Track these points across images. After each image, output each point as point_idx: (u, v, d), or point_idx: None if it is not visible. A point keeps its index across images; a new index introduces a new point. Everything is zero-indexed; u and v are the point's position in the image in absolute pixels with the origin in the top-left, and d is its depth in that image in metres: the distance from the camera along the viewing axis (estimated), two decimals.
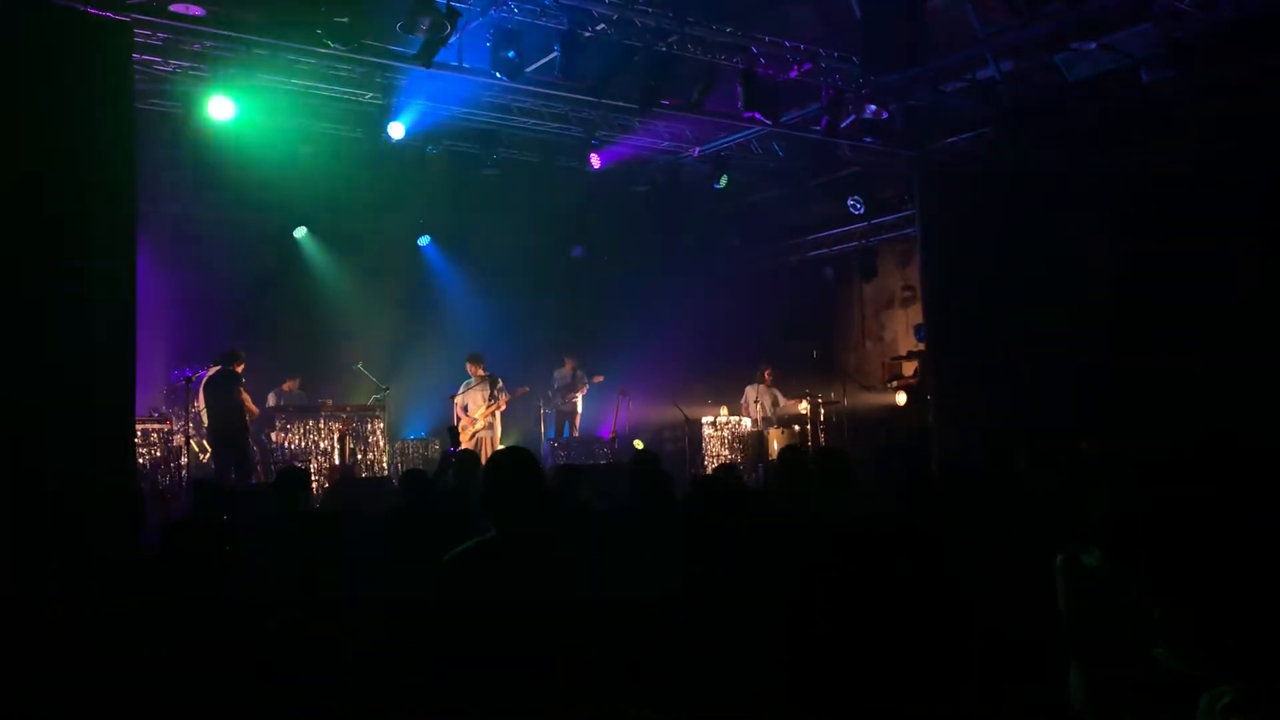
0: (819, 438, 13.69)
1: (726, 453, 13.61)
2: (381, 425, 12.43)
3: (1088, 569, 3.33)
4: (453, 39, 8.93)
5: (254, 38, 8.99)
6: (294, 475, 6.39)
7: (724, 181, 13.18)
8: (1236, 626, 2.61)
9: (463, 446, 10.69)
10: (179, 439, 10.82)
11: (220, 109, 9.73)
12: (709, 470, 12.58)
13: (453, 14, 8.49)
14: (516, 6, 8.98)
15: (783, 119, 11.16)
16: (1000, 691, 3.46)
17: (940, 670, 3.43)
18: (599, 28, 9.36)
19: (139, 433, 9.88)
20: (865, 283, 15.65)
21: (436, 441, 12.94)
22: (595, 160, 12.34)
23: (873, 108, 11.20)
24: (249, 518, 6.98)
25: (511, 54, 9.16)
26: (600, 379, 14.25)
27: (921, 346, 12.92)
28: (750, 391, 14.24)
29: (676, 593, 3.52)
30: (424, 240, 15.14)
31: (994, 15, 9.76)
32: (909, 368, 13.63)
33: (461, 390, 12.65)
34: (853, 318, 16.11)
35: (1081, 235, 11.51)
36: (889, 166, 12.96)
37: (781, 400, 14.09)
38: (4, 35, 6.86)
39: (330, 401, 12.23)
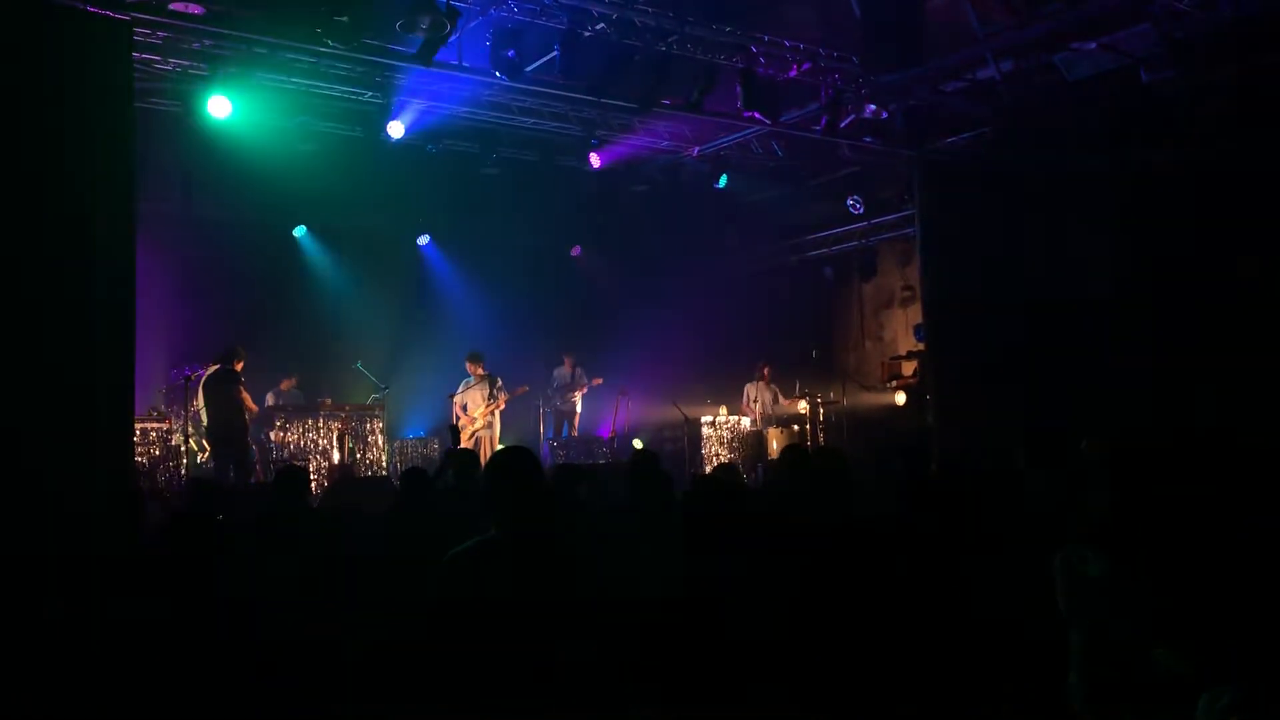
0: (818, 437, 13.68)
1: (726, 452, 13.61)
2: (381, 424, 12.43)
3: (1086, 569, 3.33)
4: (453, 38, 8.93)
5: (253, 36, 8.99)
6: (293, 474, 6.39)
7: (723, 181, 13.19)
8: (1236, 627, 2.62)
9: (462, 446, 10.68)
10: (178, 438, 10.82)
11: (219, 107, 9.73)
12: (708, 470, 12.58)
13: (453, 13, 8.49)
14: (516, 6, 8.99)
15: (782, 119, 11.16)
16: (1000, 691, 3.47)
17: (939, 670, 3.44)
18: (599, 27, 9.37)
19: (138, 432, 9.87)
20: (865, 282, 15.65)
21: (436, 441, 12.93)
22: (595, 160, 12.34)
23: (872, 107, 11.21)
24: (247, 516, 6.98)
25: (511, 53, 9.16)
26: (599, 381, 14.25)
27: (921, 346, 12.92)
28: (750, 389, 14.24)
29: (676, 592, 3.52)
30: (423, 239, 15.14)
31: (993, 15, 9.76)
32: (908, 367, 13.62)
33: (461, 389, 12.65)
34: (852, 317, 16.11)
35: (1081, 235, 11.51)
36: (889, 166, 12.97)
37: (781, 397, 14.10)
38: (3, 34, 6.85)
39: (329, 401, 12.23)
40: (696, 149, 12.84)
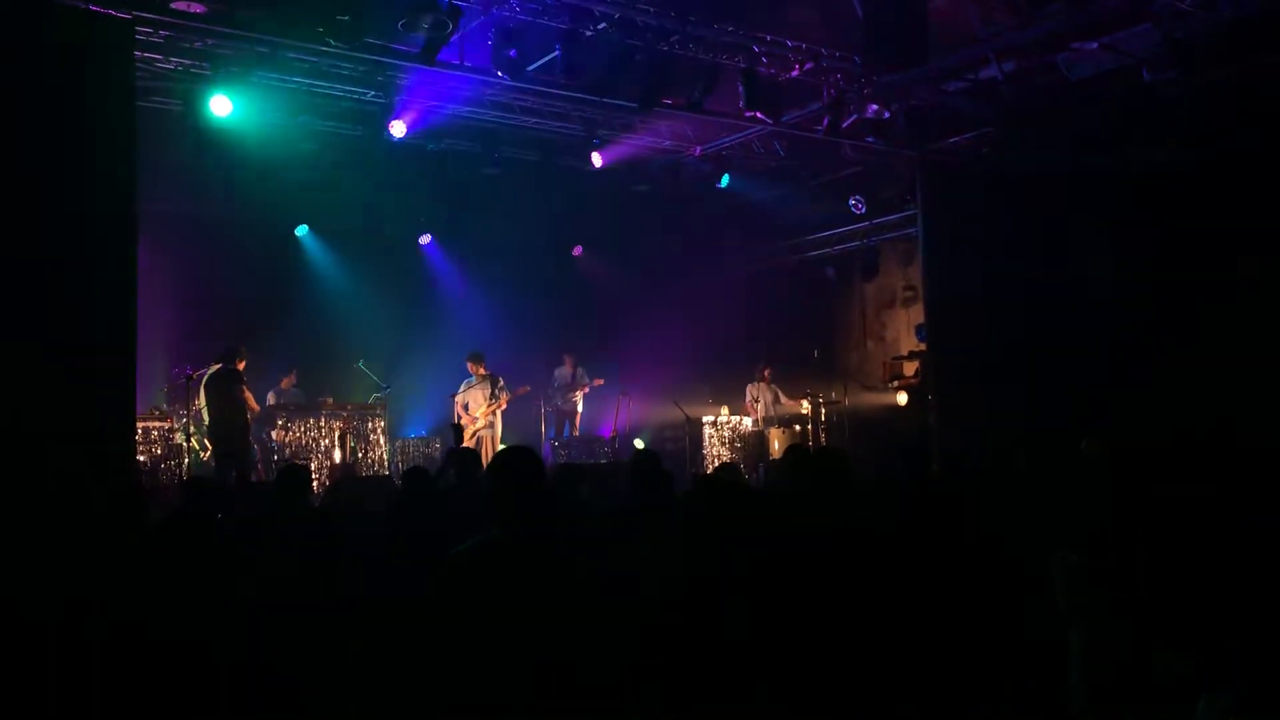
0: (820, 437, 13.69)
1: (727, 452, 13.61)
2: (382, 424, 12.44)
3: (1085, 569, 3.33)
4: (454, 37, 8.93)
5: (255, 35, 8.99)
6: (295, 473, 6.38)
7: (725, 181, 13.18)
8: (1236, 627, 2.61)
9: (463, 445, 10.69)
10: (179, 437, 10.83)
11: (220, 107, 9.74)
12: (710, 470, 12.58)
13: (454, 12, 8.49)
14: (518, 5, 8.98)
15: (784, 118, 11.16)
16: (1000, 691, 3.47)
17: (940, 670, 3.44)
18: (600, 27, 9.36)
19: (140, 430, 9.88)
20: (867, 282, 15.65)
21: (437, 440, 12.94)
22: (597, 159, 12.34)
23: (874, 107, 11.21)
24: (247, 515, 6.98)
25: (513, 53, 9.16)
26: (601, 381, 14.25)
27: (923, 346, 12.92)
28: (751, 389, 14.26)
29: (677, 592, 3.52)
30: (425, 239, 15.14)
31: (995, 15, 9.76)
32: (910, 368, 13.62)
33: (463, 389, 12.66)
34: (854, 317, 16.11)
35: (1083, 235, 11.52)
36: (890, 166, 12.96)
37: (782, 396, 14.10)
38: (5, 32, 6.86)
39: (331, 400, 12.23)
40: (698, 149, 12.84)
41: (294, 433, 11.66)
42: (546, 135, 12.19)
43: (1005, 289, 11.33)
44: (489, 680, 3.04)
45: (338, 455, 11.75)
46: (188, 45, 9.42)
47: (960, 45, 10.20)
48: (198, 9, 8.51)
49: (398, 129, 10.75)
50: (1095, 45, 9.86)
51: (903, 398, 13.20)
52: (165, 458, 10.69)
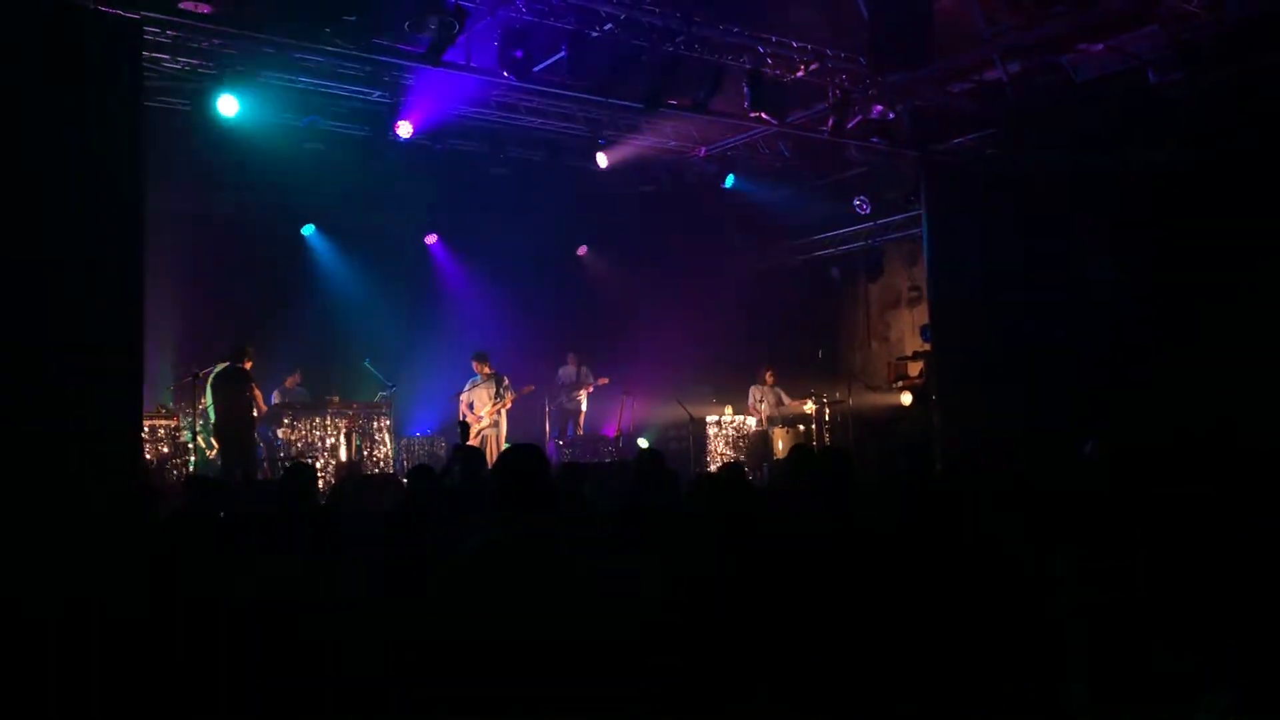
0: (824, 437, 13.69)
1: (731, 452, 13.62)
2: (388, 422, 12.47)
3: (1087, 569, 3.35)
4: (461, 38, 8.95)
5: (262, 35, 9.03)
6: (301, 471, 6.41)
7: (730, 181, 13.19)
8: (1236, 627, 2.63)
9: (469, 443, 10.72)
10: (185, 435, 10.86)
11: (227, 106, 9.78)
12: (713, 469, 12.59)
13: (460, 13, 8.52)
14: (524, 6, 9.01)
15: (789, 119, 11.18)
16: (1001, 692, 3.48)
17: (941, 670, 3.45)
18: (606, 27, 9.38)
19: (146, 428, 9.92)
20: (871, 283, 15.64)
21: (443, 439, 12.98)
22: (602, 160, 12.35)
23: (879, 108, 11.22)
24: (252, 514, 7.00)
25: (519, 53, 9.18)
26: (606, 381, 14.27)
27: (927, 347, 12.92)
28: (755, 392, 14.26)
29: (680, 591, 3.53)
30: (431, 238, 15.18)
31: (1001, 16, 9.76)
32: (914, 368, 13.62)
33: (468, 388, 12.70)
34: (858, 318, 16.10)
35: (1087, 236, 11.51)
36: (895, 167, 12.96)
37: (785, 399, 14.10)
38: (14, 33, 6.89)
39: (337, 398, 12.26)
40: (703, 149, 12.86)
41: (300, 431, 11.70)
42: (552, 135, 12.21)
43: (1009, 289, 11.33)
44: (492, 680, 3.06)
45: (343, 453, 11.78)
46: (195, 45, 9.46)
47: (965, 46, 10.21)
48: (205, 9, 8.54)
49: (404, 129, 10.78)
50: (1100, 47, 9.87)
51: (907, 398, 13.20)
52: (171, 456, 10.73)
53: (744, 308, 15.93)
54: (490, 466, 8.27)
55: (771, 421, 13.97)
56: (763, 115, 10.60)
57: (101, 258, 7.20)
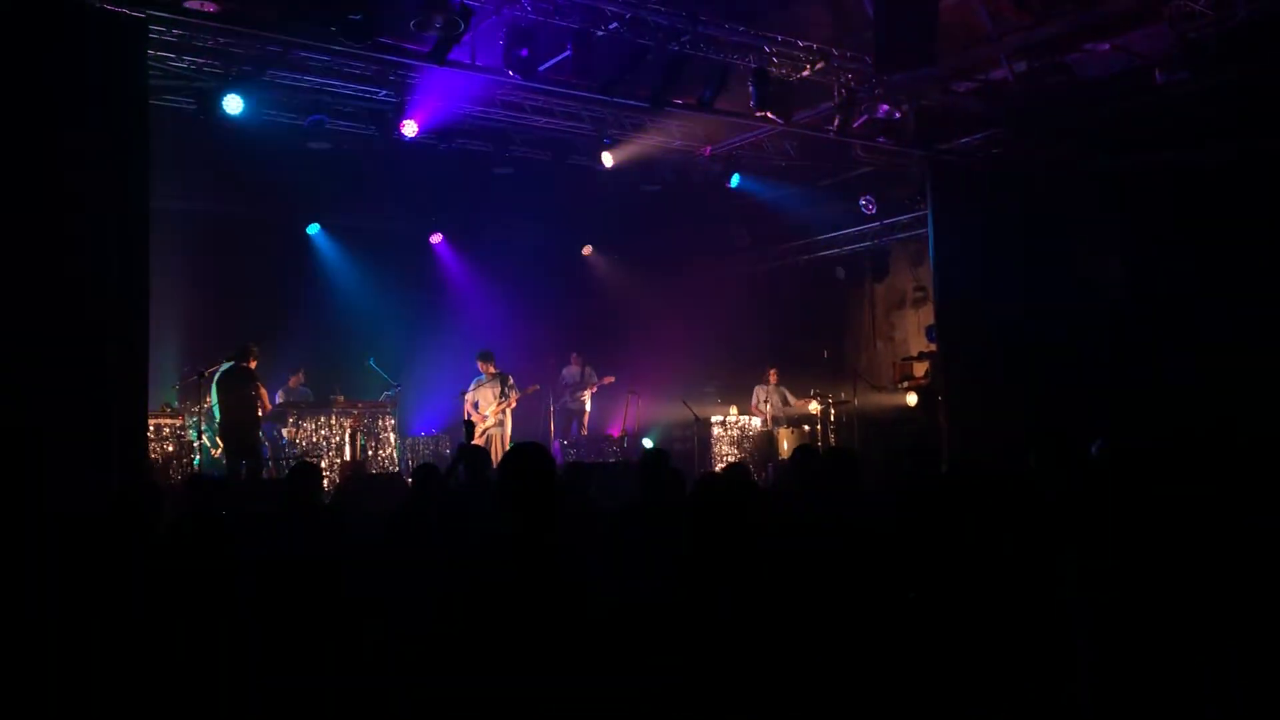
0: (829, 438, 13.68)
1: (736, 452, 13.62)
2: (393, 421, 12.48)
3: (1091, 570, 3.33)
4: (466, 37, 8.94)
5: (268, 34, 9.04)
6: (306, 470, 6.40)
7: (735, 181, 13.18)
8: (1236, 627, 2.61)
9: (473, 442, 10.71)
10: (190, 434, 10.88)
11: (233, 105, 9.79)
12: (718, 470, 12.57)
13: (466, 12, 8.51)
14: (530, 5, 9.00)
15: (795, 118, 11.16)
16: (1005, 692, 3.47)
17: (944, 671, 3.44)
18: (612, 26, 9.37)
19: (151, 427, 9.92)
20: (877, 283, 15.62)
21: (448, 438, 12.99)
22: (607, 159, 12.35)
23: (885, 107, 11.19)
24: (256, 513, 7.01)
25: (524, 52, 9.17)
26: (611, 379, 14.27)
27: (932, 347, 12.90)
28: (759, 392, 14.25)
29: (683, 591, 3.52)
30: (436, 238, 15.19)
31: (1006, 15, 9.75)
32: (920, 368, 13.60)
33: (472, 387, 12.71)
34: (864, 318, 16.09)
35: (1093, 236, 11.49)
36: (901, 166, 12.95)
37: (790, 398, 14.09)
38: (20, 31, 6.90)
39: (342, 397, 12.28)
40: (709, 149, 12.84)
41: (305, 430, 11.71)
42: (557, 135, 12.20)
43: (1015, 290, 11.31)
44: (497, 679, 3.05)
45: (348, 453, 11.79)
46: (201, 44, 9.46)
47: (971, 46, 10.19)
48: (211, 8, 8.55)
49: (409, 128, 10.77)
50: (1106, 46, 9.85)
51: (912, 398, 13.18)
52: (177, 454, 10.75)
53: (749, 308, 15.93)
54: (495, 466, 8.28)
55: (776, 422, 13.96)
56: (768, 114, 10.58)
57: (107, 256, 7.21)
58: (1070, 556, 3.51)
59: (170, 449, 10.73)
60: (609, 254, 16.31)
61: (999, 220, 11.60)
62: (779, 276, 16.59)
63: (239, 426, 10.39)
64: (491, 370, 12.69)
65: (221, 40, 9.40)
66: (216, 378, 10.61)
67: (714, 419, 13.78)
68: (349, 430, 11.86)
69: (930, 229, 12.02)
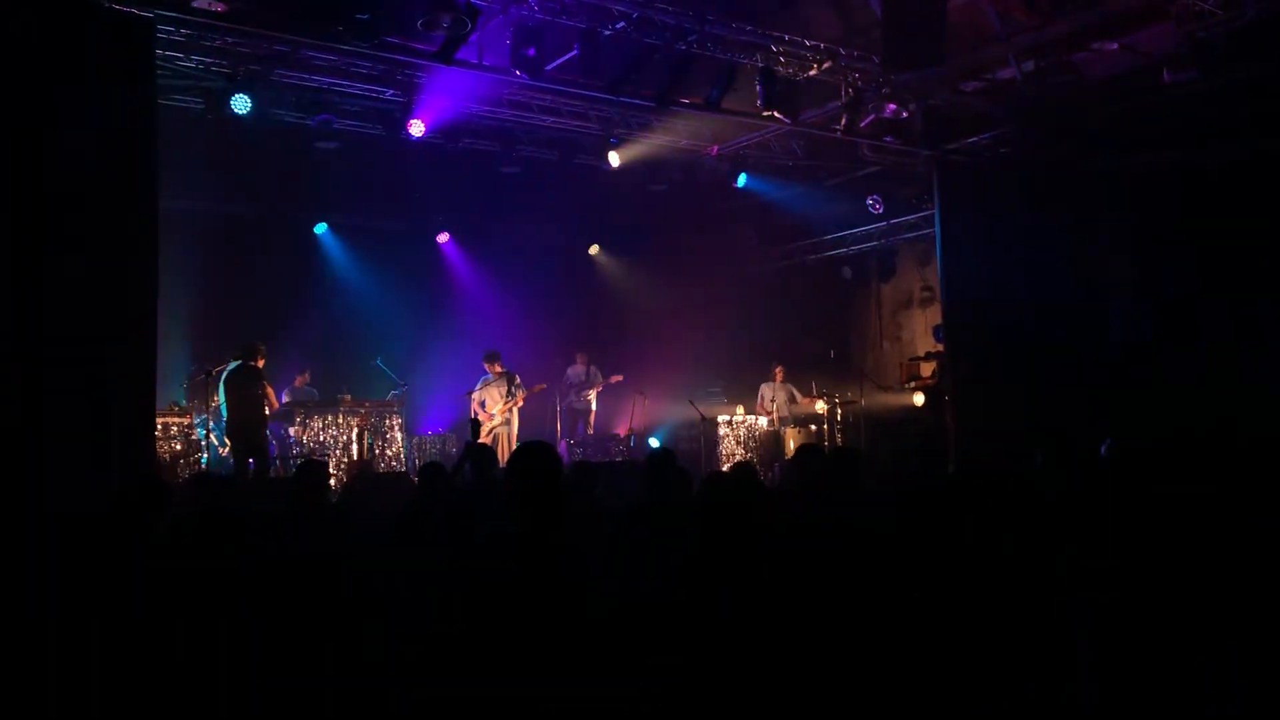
0: (836, 438, 13.67)
1: (742, 451, 13.60)
2: (400, 420, 12.50)
3: (1093, 570, 3.33)
4: (473, 37, 8.95)
5: (275, 34, 9.05)
6: (313, 469, 6.42)
7: (743, 180, 13.17)
8: (1236, 627, 2.60)
9: (480, 441, 10.71)
10: (198, 432, 10.90)
11: (240, 105, 9.81)
12: (725, 469, 12.57)
13: (473, 11, 8.51)
14: (537, 4, 9.00)
15: (802, 118, 11.15)
16: (1010, 693, 3.46)
17: (948, 671, 3.43)
18: (619, 26, 9.37)
19: (159, 426, 9.95)
20: (883, 283, 15.61)
21: (455, 437, 13.00)
22: (614, 158, 12.35)
23: (892, 107, 11.18)
24: (262, 512, 7.01)
25: (531, 52, 9.17)
26: (619, 378, 14.27)
27: (940, 347, 12.88)
28: (765, 390, 14.23)
29: (687, 590, 3.52)
30: (443, 237, 15.21)
31: (1014, 15, 9.73)
32: (927, 368, 13.59)
33: (479, 386, 12.72)
34: (870, 318, 16.07)
35: (1101, 235, 11.46)
36: (908, 166, 12.93)
37: (797, 395, 14.08)
38: (27, 31, 6.92)
39: (349, 396, 12.30)
40: (715, 148, 12.83)
41: (312, 429, 11.73)
42: (564, 134, 12.21)
43: (1023, 290, 11.29)
44: (502, 679, 3.05)
45: (355, 452, 11.81)
46: (208, 44, 9.48)
47: (978, 45, 10.18)
48: (219, 8, 8.57)
49: (416, 128, 10.78)
50: (1114, 45, 9.82)
51: (919, 398, 13.17)
52: (184, 453, 10.77)
53: (756, 308, 15.92)
54: (501, 464, 8.28)
55: (783, 421, 13.95)
56: (775, 114, 10.57)
57: (115, 256, 7.23)
58: (1080, 557, 3.50)
59: (178, 447, 10.75)
60: (616, 253, 16.31)
61: (1006, 220, 11.58)
62: (786, 276, 16.58)
63: (246, 425, 10.41)
64: (498, 370, 12.71)
65: (229, 40, 9.42)
66: (224, 376, 10.63)
67: (720, 418, 13.78)
68: (356, 429, 11.88)
69: (937, 229, 12.00)
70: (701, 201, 14.56)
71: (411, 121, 10.74)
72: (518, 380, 12.66)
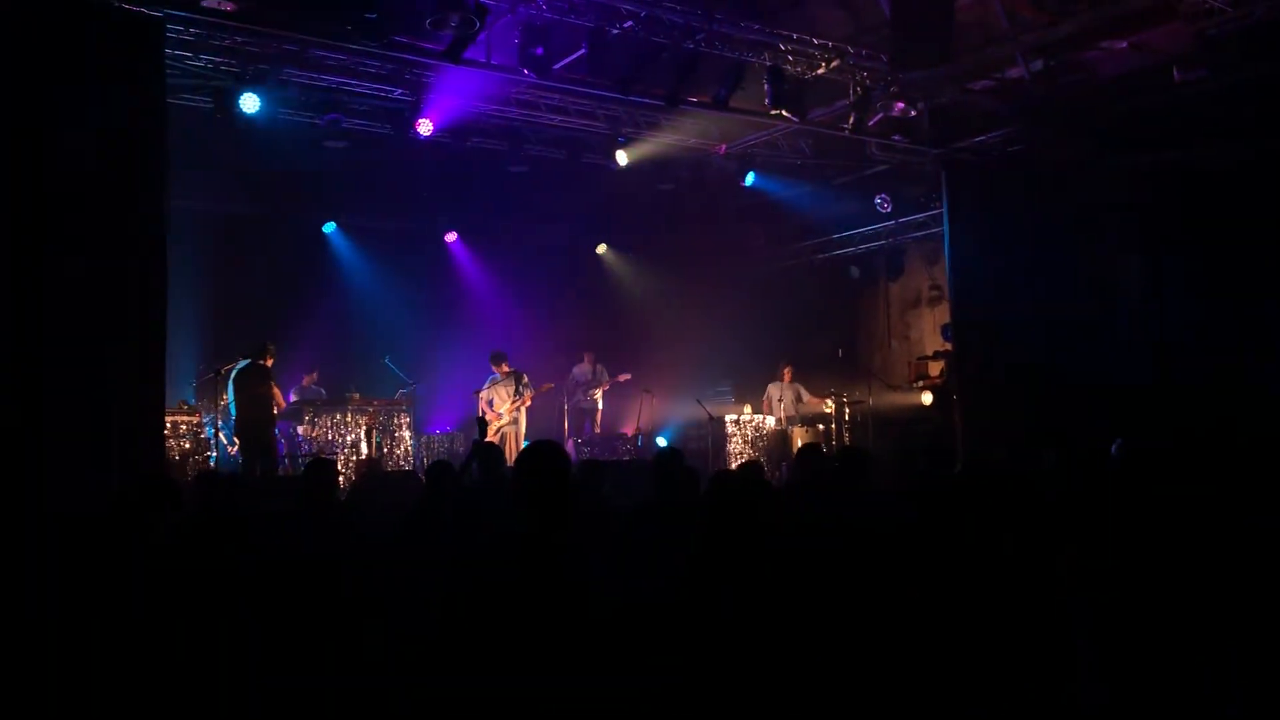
0: (844, 437, 13.65)
1: (750, 450, 13.59)
2: (408, 419, 12.52)
3: (1095, 570, 3.32)
4: (481, 36, 8.96)
5: (284, 33, 9.07)
6: (322, 467, 6.43)
7: (750, 179, 13.16)
8: (1236, 627, 2.59)
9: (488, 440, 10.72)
10: (206, 431, 10.94)
11: (249, 104, 9.84)
12: (732, 468, 12.55)
13: (481, 10, 8.52)
14: (545, 3, 9.01)
15: (810, 116, 11.14)
16: (1012, 693, 3.45)
17: (951, 671, 3.43)
18: (627, 24, 9.37)
19: (168, 424, 9.98)
20: (892, 282, 15.58)
21: (462, 435, 13.03)
22: (622, 157, 12.35)
23: (901, 105, 11.16)
24: (269, 510, 7.03)
25: (539, 51, 9.18)
26: (627, 376, 14.27)
27: (948, 346, 12.85)
28: (773, 389, 14.21)
29: (691, 591, 3.52)
30: (451, 236, 15.23)
31: (1023, 13, 9.70)
32: (935, 368, 13.55)
33: (487, 385, 12.74)
34: (879, 317, 16.04)
35: (1110, 234, 11.42)
36: (917, 165, 12.91)
37: (805, 395, 14.05)
38: (38, 31, 6.94)
39: (357, 395, 12.33)
40: (723, 147, 12.83)
41: (321, 428, 11.76)
42: (572, 133, 12.21)
43: (1031, 289, 11.26)
44: (509, 678, 3.06)
45: (364, 450, 11.84)
46: (218, 43, 9.50)
47: (987, 43, 10.15)
48: (228, 7, 8.59)
49: (424, 127, 10.80)
50: (1124, 44, 9.79)
51: (927, 398, 13.13)
52: (193, 451, 10.81)
53: (764, 306, 15.90)
54: (509, 463, 8.29)
55: (791, 421, 13.93)
56: (783, 112, 10.56)
57: (124, 255, 7.25)
58: (1088, 557, 3.49)
59: (187, 446, 10.79)
60: (624, 252, 16.31)
61: (1015, 219, 11.55)
62: (794, 275, 16.56)
63: (254, 424, 10.45)
64: (505, 369, 12.72)
65: (238, 39, 9.44)
66: (233, 375, 10.67)
67: (728, 418, 13.77)
68: (365, 428, 11.91)
69: (945, 228, 11.98)
70: (709, 200, 14.55)
71: (420, 121, 10.75)
72: (525, 379, 12.67)
